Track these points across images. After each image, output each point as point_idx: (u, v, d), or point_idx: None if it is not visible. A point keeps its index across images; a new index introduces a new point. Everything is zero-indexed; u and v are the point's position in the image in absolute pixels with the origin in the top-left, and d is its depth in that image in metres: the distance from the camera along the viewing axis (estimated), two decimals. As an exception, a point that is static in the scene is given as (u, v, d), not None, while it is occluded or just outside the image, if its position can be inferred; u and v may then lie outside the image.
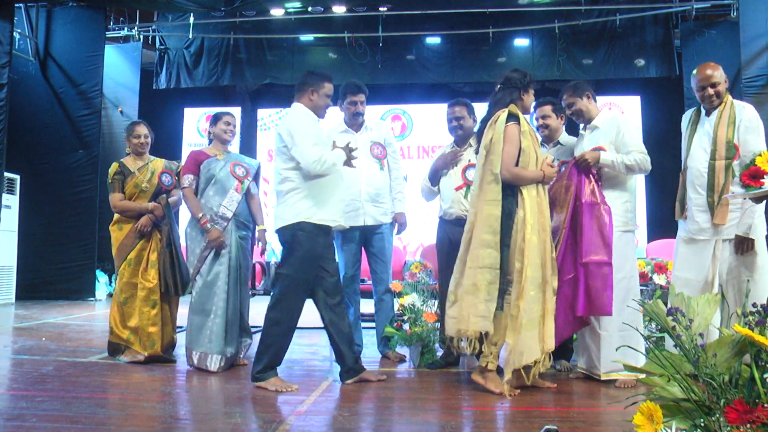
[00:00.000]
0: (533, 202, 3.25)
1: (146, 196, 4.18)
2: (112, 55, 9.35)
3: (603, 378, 3.46)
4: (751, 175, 2.76)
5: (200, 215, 3.90)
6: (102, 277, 9.07)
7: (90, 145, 8.66)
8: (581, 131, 3.77)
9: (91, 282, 8.62)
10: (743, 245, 3.25)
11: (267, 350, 3.37)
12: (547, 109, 4.03)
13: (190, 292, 4.02)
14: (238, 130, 4.39)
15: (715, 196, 3.32)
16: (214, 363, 3.80)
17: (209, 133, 4.18)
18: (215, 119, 4.15)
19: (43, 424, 2.61)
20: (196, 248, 3.93)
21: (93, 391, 3.27)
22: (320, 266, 3.48)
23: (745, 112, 3.34)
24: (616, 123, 3.59)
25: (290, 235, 3.42)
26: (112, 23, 9.54)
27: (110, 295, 8.95)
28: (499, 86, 3.50)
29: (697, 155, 3.42)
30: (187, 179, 3.99)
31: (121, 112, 9.44)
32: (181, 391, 3.39)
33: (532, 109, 3.64)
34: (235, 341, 3.92)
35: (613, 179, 3.55)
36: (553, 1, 8.89)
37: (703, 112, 3.47)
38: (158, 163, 4.31)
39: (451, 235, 3.67)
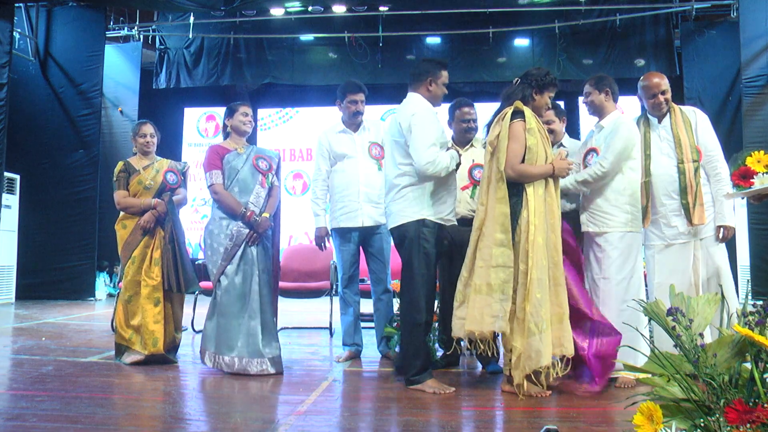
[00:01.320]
0: (539, 201, 3.19)
1: (150, 193, 4.16)
2: (112, 55, 9.36)
3: None
4: (741, 175, 2.79)
5: (242, 209, 3.76)
6: (102, 277, 9.08)
7: (90, 145, 8.68)
8: (593, 128, 3.75)
9: (91, 282, 8.63)
10: (726, 232, 3.41)
11: (417, 353, 3.34)
12: (550, 113, 4.04)
13: (193, 291, 4.01)
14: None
15: (689, 198, 3.41)
16: (254, 366, 3.65)
17: (225, 126, 4.03)
18: (231, 111, 3.99)
19: (43, 424, 2.61)
20: (219, 247, 3.77)
21: (93, 390, 3.27)
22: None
23: (697, 114, 3.53)
24: (612, 126, 3.58)
25: (413, 231, 3.37)
26: (112, 23, 9.55)
27: (110, 295, 8.96)
28: (516, 80, 3.42)
29: (662, 162, 3.51)
30: (215, 176, 3.84)
31: (121, 111, 9.45)
32: (181, 391, 3.39)
33: (545, 111, 3.54)
34: (272, 343, 3.75)
35: (609, 182, 3.52)
36: (553, 1, 8.89)
37: (653, 119, 3.58)
38: (164, 163, 4.31)
39: (455, 235, 3.67)
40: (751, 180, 2.78)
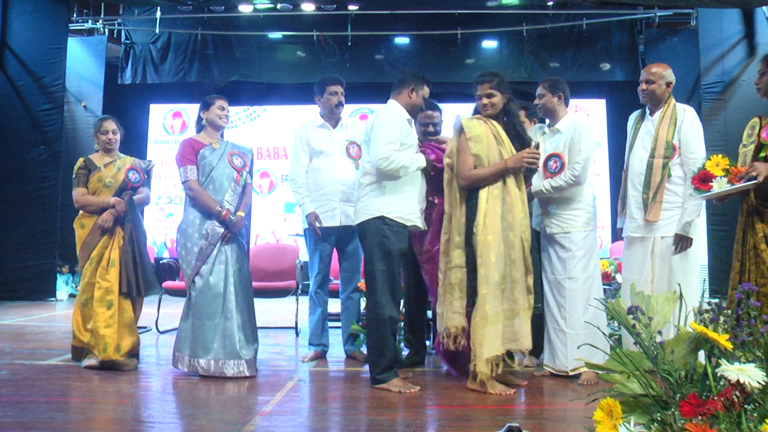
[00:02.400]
0: (494, 202, 3.29)
1: (110, 191, 3.99)
2: (75, 49, 9.16)
3: (571, 374, 3.52)
4: (701, 179, 2.86)
5: (218, 208, 3.67)
6: (64, 277, 8.90)
7: (52, 141, 8.45)
8: (545, 130, 3.81)
9: (51, 282, 8.42)
10: (681, 243, 3.37)
11: (381, 351, 3.36)
12: (521, 113, 4.10)
13: (157, 293, 3.94)
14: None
15: (651, 193, 3.44)
16: (230, 368, 3.57)
17: (200, 119, 3.90)
18: (207, 104, 3.88)
19: (-2, 428, 2.54)
20: (194, 247, 3.67)
21: (51, 394, 3.18)
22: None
23: (686, 113, 3.47)
24: (573, 128, 3.63)
25: (373, 228, 3.42)
26: (75, 15, 9.35)
27: (72, 295, 8.78)
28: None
29: (638, 154, 3.55)
30: (190, 171, 3.72)
31: (85, 107, 9.26)
32: (143, 393, 3.34)
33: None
34: (249, 345, 3.67)
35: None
36: (521, 3, 9.00)
37: (648, 112, 3.60)
38: (127, 161, 4.14)
39: None
40: (710, 183, 2.86)
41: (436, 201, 3.70)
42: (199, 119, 3.91)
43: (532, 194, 3.61)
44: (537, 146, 3.40)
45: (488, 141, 3.37)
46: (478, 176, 3.34)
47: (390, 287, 3.40)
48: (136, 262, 3.92)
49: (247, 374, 3.58)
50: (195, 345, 3.61)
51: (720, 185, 2.83)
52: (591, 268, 3.58)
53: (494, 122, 3.44)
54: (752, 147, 2.87)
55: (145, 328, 4.11)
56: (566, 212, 3.59)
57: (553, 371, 3.63)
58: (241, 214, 3.79)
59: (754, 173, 2.71)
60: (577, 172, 3.51)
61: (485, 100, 3.44)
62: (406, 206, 3.46)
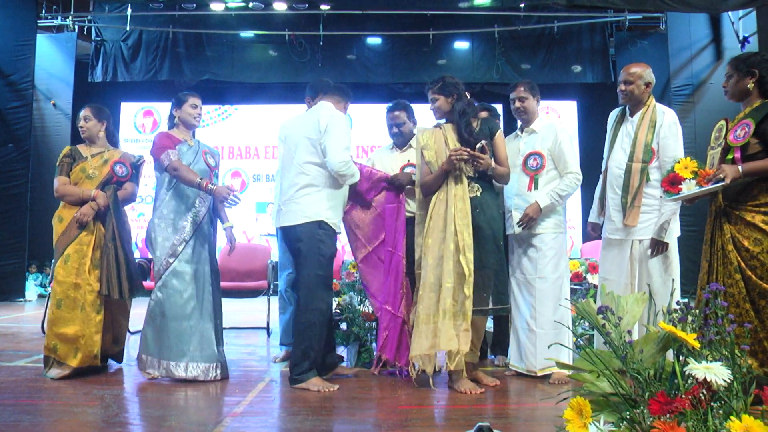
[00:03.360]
0: (438, 205, 3.40)
1: (92, 183, 3.75)
2: (44, 45, 8.98)
3: (539, 374, 3.55)
4: (670, 182, 2.91)
5: (198, 180, 3.52)
6: (33, 276, 8.72)
7: (20, 139, 8.27)
8: (517, 133, 3.85)
9: (20, 282, 8.25)
10: (657, 248, 3.41)
11: (306, 353, 3.36)
12: (483, 114, 4.14)
13: (142, 296, 3.83)
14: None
15: (629, 197, 3.47)
16: (210, 372, 3.48)
17: (172, 117, 3.77)
18: (180, 101, 3.75)
19: (-37, 431, 2.49)
20: (165, 241, 3.54)
21: (19, 397, 3.12)
22: None
23: (666, 116, 3.48)
24: (554, 131, 3.68)
25: (310, 232, 3.42)
26: (44, 11, 9.17)
27: (41, 296, 8.61)
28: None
29: (617, 156, 3.57)
30: (172, 154, 3.59)
31: (54, 105, 9.08)
32: (114, 395, 3.27)
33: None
34: (221, 347, 3.60)
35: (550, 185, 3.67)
36: (493, 5, 9.07)
37: (628, 112, 3.62)
38: (116, 153, 3.92)
39: None
40: (679, 186, 2.91)
41: (373, 204, 3.82)
42: (171, 116, 3.80)
43: (540, 209, 3.60)
44: (482, 148, 3.36)
45: (437, 147, 3.48)
46: (426, 183, 3.50)
47: (324, 292, 3.46)
48: (119, 261, 3.65)
49: (220, 377, 3.53)
50: (168, 348, 3.47)
51: (689, 188, 2.88)
52: (561, 268, 3.65)
53: (447, 126, 3.52)
54: (719, 149, 2.93)
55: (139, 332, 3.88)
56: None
57: (521, 371, 3.65)
58: (229, 224, 3.82)
59: (721, 175, 2.76)
60: (579, 173, 3.63)
61: (430, 105, 3.56)
62: (337, 213, 3.57)
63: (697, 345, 1.53)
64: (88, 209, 3.67)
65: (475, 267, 3.26)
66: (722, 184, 2.77)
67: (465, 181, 3.38)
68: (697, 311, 1.64)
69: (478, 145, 3.37)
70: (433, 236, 3.36)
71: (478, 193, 3.42)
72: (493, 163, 3.43)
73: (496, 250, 3.39)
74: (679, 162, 2.98)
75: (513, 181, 3.67)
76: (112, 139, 4.01)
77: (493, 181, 3.53)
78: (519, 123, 3.87)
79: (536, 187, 3.65)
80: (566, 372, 3.37)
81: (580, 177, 3.65)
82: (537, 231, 3.63)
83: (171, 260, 3.54)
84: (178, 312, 3.50)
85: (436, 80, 3.54)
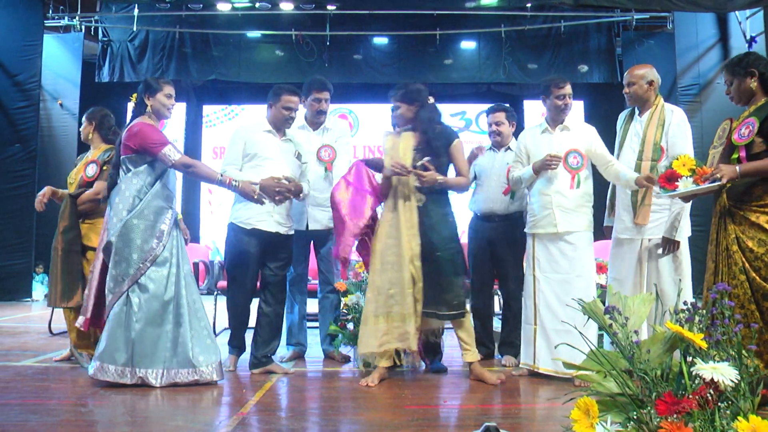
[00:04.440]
0: (387, 213, 3.53)
1: (72, 188, 3.95)
2: (51, 46, 9.01)
3: (541, 371, 3.51)
4: (667, 178, 2.90)
5: (220, 176, 3.45)
6: (39, 277, 8.75)
7: (27, 139, 8.32)
8: (548, 129, 3.74)
9: (27, 282, 8.29)
10: (669, 246, 3.39)
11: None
12: (501, 116, 4.20)
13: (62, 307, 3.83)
14: (183, 124, 4.09)
15: (639, 195, 3.46)
16: (183, 376, 3.30)
17: (143, 105, 3.47)
18: (152, 89, 3.47)
19: (-29, 430, 2.50)
20: (144, 244, 3.33)
21: (25, 396, 3.13)
22: (263, 263, 3.80)
23: (674, 115, 3.47)
24: (592, 132, 3.67)
25: (227, 234, 3.82)
26: (51, 12, 9.20)
27: (47, 295, 8.63)
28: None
29: (626, 155, 3.56)
30: (173, 149, 3.38)
31: (61, 105, 9.11)
32: (119, 395, 3.28)
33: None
34: (210, 350, 3.41)
35: (587, 187, 3.62)
36: (500, 5, 9.05)
37: (637, 112, 3.61)
38: (96, 152, 3.99)
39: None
40: (676, 183, 2.89)
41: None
42: (142, 104, 3.48)
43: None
44: (423, 166, 3.43)
45: (393, 153, 3.54)
46: (381, 187, 3.62)
47: (234, 293, 3.82)
48: (56, 270, 3.77)
49: (215, 379, 3.37)
50: (139, 354, 3.26)
51: (686, 185, 2.86)
52: (595, 268, 3.67)
53: (407, 135, 3.59)
54: (721, 149, 2.92)
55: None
56: (578, 210, 3.57)
57: (553, 374, 3.50)
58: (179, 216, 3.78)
59: (718, 175, 2.75)
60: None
61: (393, 112, 3.70)
62: (249, 212, 3.70)
63: (704, 345, 1.52)
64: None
65: (429, 274, 3.41)
66: (718, 183, 2.76)
67: (412, 190, 3.48)
68: (704, 311, 1.64)
69: (418, 163, 3.45)
70: (381, 241, 3.49)
71: (421, 203, 3.49)
72: (440, 178, 3.43)
73: (444, 258, 3.45)
74: (677, 159, 2.96)
75: (545, 179, 3.59)
76: (107, 138, 4.05)
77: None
78: (546, 119, 3.79)
79: (578, 185, 3.57)
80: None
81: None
82: (574, 229, 3.55)
83: (147, 264, 3.33)
84: (152, 319, 3.30)
85: (399, 87, 3.64)
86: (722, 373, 1.44)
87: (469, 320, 3.58)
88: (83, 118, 4.09)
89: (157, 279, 3.35)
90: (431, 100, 3.63)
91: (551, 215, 3.58)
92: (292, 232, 3.90)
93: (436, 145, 3.50)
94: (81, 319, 3.51)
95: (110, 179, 3.50)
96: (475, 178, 4.28)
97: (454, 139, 3.57)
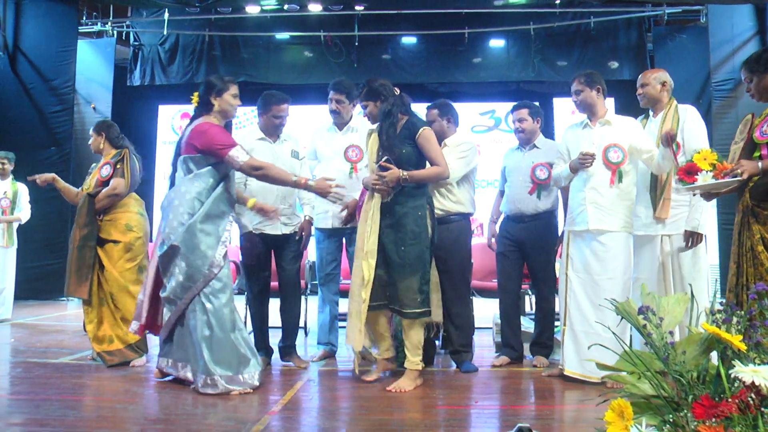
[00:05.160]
0: (364, 210, 3.51)
1: (89, 189, 4.15)
2: (84, 51, 9.20)
3: (567, 374, 3.45)
4: (687, 171, 2.83)
5: (294, 178, 3.42)
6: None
7: (62, 142, 8.52)
8: (588, 124, 3.67)
9: (62, 282, 8.44)
10: (692, 240, 3.32)
11: None
12: (524, 112, 4.12)
13: (83, 299, 3.98)
14: None
15: (658, 190, 3.41)
16: (257, 379, 3.32)
17: (209, 104, 3.43)
18: (218, 89, 3.43)
19: (12, 428, 2.56)
20: (209, 250, 3.27)
21: (63, 393, 3.21)
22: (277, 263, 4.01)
23: (689, 113, 3.44)
24: (635, 126, 3.58)
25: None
26: (84, 18, 9.39)
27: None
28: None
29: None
30: (241, 151, 3.33)
31: (94, 108, 9.28)
32: (154, 392, 3.34)
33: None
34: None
35: (626, 185, 3.51)
36: (528, 2, 8.97)
37: (651, 113, 3.59)
38: (109, 156, 4.19)
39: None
40: (695, 176, 2.82)
41: None
42: (208, 104, 3.44)
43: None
44: (387, 159, 3.39)
45: (370, 151, 3.58)
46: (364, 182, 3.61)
47: (253, 291, 3.98)
48: (70, 261, 4.06)
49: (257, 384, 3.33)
50: (224, 362, 3.22)
51: (705, 179, 2.79)
52: (630, 270, 3.49)
53: (375, 133, 3.58)
54: (742, 144, 2.85)
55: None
56: (614, 209, 3.46)
57: (579, 377, 3.45)
58: (314, 183, 3.60)
59: (739, 170, 2.68)
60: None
61: (362, 112, 3.70)
62: (255, 217, 3.81)
63: (743, 347, 1.48)
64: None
65: (391, 270, 3.39)
66: (738, 179, 2.69)
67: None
68: (743, 312, 1.60)
69: (377, 164, 3.44)
70: (360, 240, 3.49)
71: (386, 199, 3.42)
72: (403, 174, 3.33)
73: (410, 255, 3.36)
74: (699, 152, 2.90)
75: (584, 174, 3.51)
76: (116, 144, 4.24)
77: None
78: (586, 116, 3.71)
79: (620, 180, 3.47)
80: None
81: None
82: (607, 228, 3.45)
83: (215, 270, 3.28)
84: (226, 324, 3.26)
85: (363, 86, 3.62)
86: (764, 376, 1.40)
87: (421, 324, 3.46)
88: (91, 131, 4.32)
89: (224, 284, 3.30)
90: (397, 91, 3.58)
91: (585, 212, 3.50)
92: (297, 228, 4.02)
93: (398, 139, 3.42)
94: (135, 325, 3.54)
95: (171, 178, 3.49)
96: (504, 179, 4.26)
97: (420, 128, 3.44)
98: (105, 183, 4.09)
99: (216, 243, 3.30)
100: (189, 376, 3.33)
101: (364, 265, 3.37)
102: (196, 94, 3.52)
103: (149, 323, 3.56)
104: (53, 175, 4.33)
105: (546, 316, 4.06)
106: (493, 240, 4.30)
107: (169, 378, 3.49)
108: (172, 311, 3.36)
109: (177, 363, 3.42)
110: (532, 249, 4.06)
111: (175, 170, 3.46)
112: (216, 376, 3.18)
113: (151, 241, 4.10)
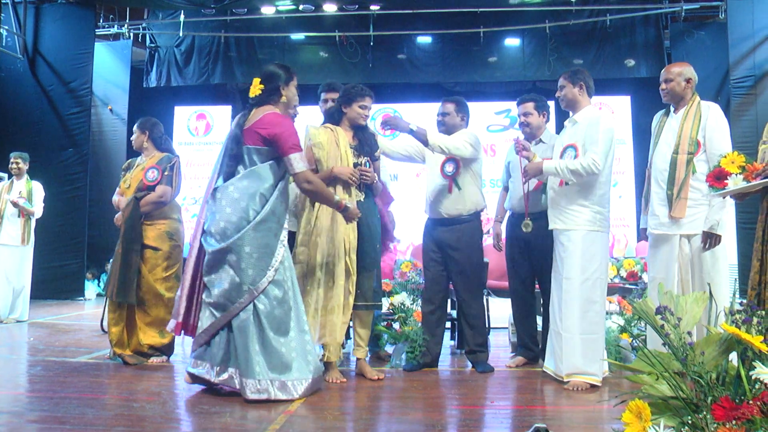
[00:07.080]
0: (323, 207, 3.51)
1: (130, 192, 4.09)
2: (102, 53, 9.30)
3: (565, 379, 3.40)
4: (716, 176, 2.79)
5: (337, 199, 3.30)
6: (92, 283, 9.02)
7: (80, 144, 8.62)
8: (565, 123, 3.72)
9: (80, 281, 8.57)
10: (710, 241, 3.26)
11: None
12: (529, 106, 4.02)
13: (126, 302, 3.92)
14: (229, 127, 4.05)
15: (675, 189, 3.35)
16: (315, 385, 3.20)
17: (277, 93, 3.37)
18: (288, 78, 3.44)
19: (31, 425, 2.60)
20: (271, 249, 3.13)
21: (82, 391, 3.25)
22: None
23: (711, 111, 3.37)
24: (589, 120, 3.53)
25: None
26: (101, 21, 9.50)
27: (99, 295, 8.90)
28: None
29: (661, 151, 3.46)
30: (303, 159, 3.20)
31: (111, 110, 9.39)
32: (171, 391, 3.37)
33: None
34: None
35: (583, 183, 3.48)
36: (544, 0, 8.92)
37: (672, 110, 3.52)
38: (154, 159, 4.16)
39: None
40: (725, 181, 2.79)
41: None
42: (276, 92, 3.35)
43: (543, 172, 3.50)
44: (368, 163, 3.63)
45: (329, 148, 3.59)
46: (315, 181, 3.56)
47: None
48: (117, 264, 3.95)
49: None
50: (274, 366, 3.07)
51: (736, 183, 2.75)
52: (591, 270, 3.43)
53: (340, 130, 3.66)
54: None
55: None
56: (570, 207, 3.49)
57: (551, 374, 3.54)
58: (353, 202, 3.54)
59: None
60: (599, 164, 3.38)
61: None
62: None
63: (765, 348, 1.46)
64: (119, 216, 4.12)
65: (357, 266, 3.51)
66: None
67: (353, 186, 3.56)
68: (764, 312, 1.57)
69: (359, 163, 3.60)
70: (322, 235, 3.49)
71: (362, 198, 3.60)
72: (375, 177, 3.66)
73: (374, 252, 3.62)
74: (725, 156, 2.85)
75: (548, 163, 3.52)
76: (161, 145, 4.24)
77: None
78: (570, 113, 3.72)
79: (566, 182, 3.52)
80: (583, 379, 3.30)
81: (598, 162, 3.38)
82: (567, 227, 3.47)
83: (272, 273, 3.12)
84: (280, 325, 3.11)
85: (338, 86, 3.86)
86: (786, 378, 1.37)
87: (371, 316, 3.70)
88: (135, 128, 4.28)
89: (282, 286, 3.14)
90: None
91: (550, 212, 3.62)
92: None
93: (370, 143, 3.72)
94: (172, 323, 3.32)
95: (226, 169, 3.23)
96: (508, 175, 4.21)
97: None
98: (149, 187, 4.06)
99: (278, 243, 3.17)
100: (227, 380, 3.13)
101: (347, 261, 3.50)
102: (257, 80, 3.35)
103: (184, 323, 3.33)
104: (120, 202, 4.20)
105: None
106: (502, 238, 4.28)
107: (201, 385, 3.29)
108: (220, 315, 3.12)
109: (215, 367, 3.16)
110: (537, 248, 3.92)
111: (229, 160, 3.21)
112: (266, 380, 3.03)
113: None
